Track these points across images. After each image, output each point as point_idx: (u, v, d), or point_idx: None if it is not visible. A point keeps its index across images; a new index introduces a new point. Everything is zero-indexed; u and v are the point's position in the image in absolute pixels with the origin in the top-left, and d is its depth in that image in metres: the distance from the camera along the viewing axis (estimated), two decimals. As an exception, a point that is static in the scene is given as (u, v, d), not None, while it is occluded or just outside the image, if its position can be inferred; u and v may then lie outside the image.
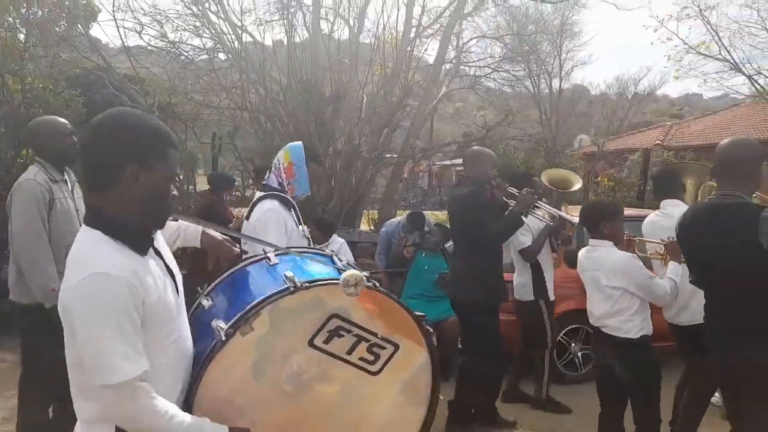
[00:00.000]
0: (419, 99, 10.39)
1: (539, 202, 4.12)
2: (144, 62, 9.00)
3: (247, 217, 3.05)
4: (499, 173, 4.28)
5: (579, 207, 3.88)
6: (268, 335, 1.74)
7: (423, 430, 2.07)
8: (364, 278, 1.78)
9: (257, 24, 9.68)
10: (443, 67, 11.47)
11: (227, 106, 8.48)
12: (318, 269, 1.99)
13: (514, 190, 4.11)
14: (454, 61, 11.77)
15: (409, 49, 9.77)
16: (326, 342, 1.83)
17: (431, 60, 10.77)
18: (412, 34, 9.88)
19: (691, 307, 3.41)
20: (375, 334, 1.90)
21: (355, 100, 8.94)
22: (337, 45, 8.98)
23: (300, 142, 3.20)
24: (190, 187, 8.81)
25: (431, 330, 2.05)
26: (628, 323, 3.24)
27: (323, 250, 2.19)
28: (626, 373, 3.25)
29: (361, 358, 1.90)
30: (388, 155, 10.47)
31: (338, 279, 1.78)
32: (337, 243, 6.15)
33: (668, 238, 3.38)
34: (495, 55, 14.31)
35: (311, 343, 1.82)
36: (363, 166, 8.84)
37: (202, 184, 8.64)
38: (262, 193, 3.06)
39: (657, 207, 4.00)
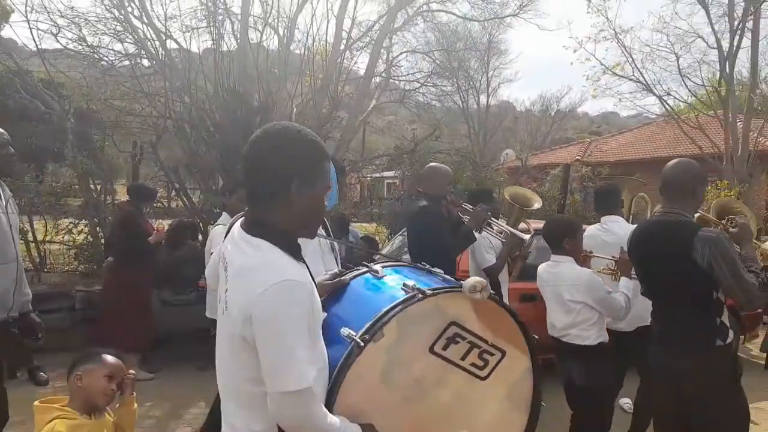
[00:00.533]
0: (350, 111, 10.43)
1: (492, 218, 4.16)
2: (60, 66, 8.58)
3: None
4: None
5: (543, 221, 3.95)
6: (396, 342, 1.81)
7: None
8: (488, 285, 1.91)
9: (183, 31, 9.44)
10: (373, 80, 11.60)
11: (149, 114, 8.20)
12: (425, 279, 2.08)
13: (468, 206, 4.18)
14: (384, 74, 11.93)
15: (339, 61, 9.80)
16: (444, 348, 1.92)
17: (362, 72, 10.88)
18: (342, 46, 9.94)
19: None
20: (486, 341, 2.00)
21: (285, 110, 8.86)
22: (266, 55, 8.88)
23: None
24: (108, 198, 8.43)
25: (536, 337, 2.14)
26: (587, 332, 3.37)
27: (422, 263, 2.26)
28: (583, 376, 3.36)
29: (473, 364, 1.99)
30: (317, 167, 10.45)
31: (459, 286, 1.91)
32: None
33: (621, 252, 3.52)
34: (424, 70, 14.64)
35: (432, 350, 1.90)
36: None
37: (122, 195, 8.29)
38: None
39: (578, 219, 4.17)
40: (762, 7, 13.13)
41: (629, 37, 15.96)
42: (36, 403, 2.24)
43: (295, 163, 1.49)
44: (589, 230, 4.17)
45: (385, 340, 1.78)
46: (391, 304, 1.82)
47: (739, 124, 13.41)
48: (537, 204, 4.77)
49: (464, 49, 21.35)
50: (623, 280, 3.50)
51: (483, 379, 2.01)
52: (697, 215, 2.95)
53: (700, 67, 14.72)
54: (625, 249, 3.16)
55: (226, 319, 1.54)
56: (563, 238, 3.41)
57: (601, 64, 14.82)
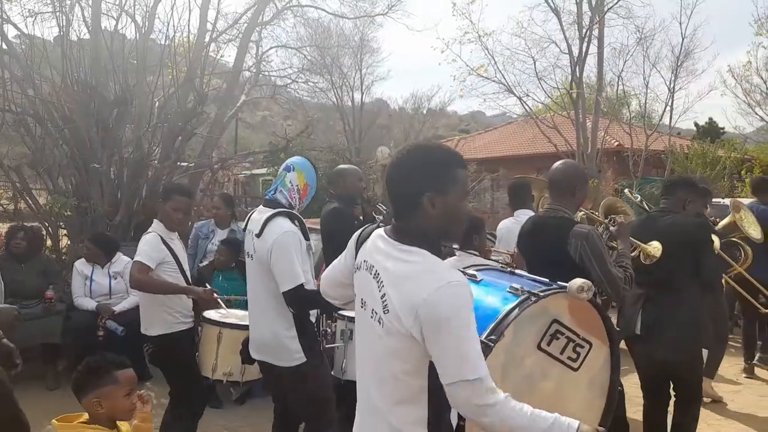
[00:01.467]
0: (217, 106, 10.01)
1: None
2: None
3: (258, 234, 2.90)
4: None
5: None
6: (512, 342, 2.03)
7: (604, 417, 2.35)
8: (593, 286, 2.16)
9: (25, 15, 8.51)
10: (243, 75, 11.24)
11: (-16, 106, 7.30)
12: (527, 281, 2.30)
13: (382, 207, 4.14)
14: (253, 69, 11.59)
15: (204, 53, 9.36)
16: (548, 345, 2.16)
17: (230, 66, 10.47)
18: (207, 38, 9.50)
19: None
20: (578, 335, 2.24)
21: (145, 104, 8.30)
22: (123, 44, 8.25)
23: (306, 160, 3.14)
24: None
25: (618, 329, 2.36)
26: None
27: (500, 263, 2.55)
28: None
29: (569, 357, 2.22)
30: (184, 164, 9.91)
31: (561, 288, 2.18)
32: (122, 262, 5.60)
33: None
34: (297, 65, 14.46)
35: (539, 347, 2.15)
36: (155, 176, 8.22)
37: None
38: (270, 210, 2.94)
39: None
40: (606, 16, 14.40)
41: (491, 41, 16.75)
42: (54, 422, 2.19)
43: (424, 181, 1.65)
44: (504, 224, 4.33)
45: (504, 340, 2.00)
46: (509, 307, 2.05)
47: (588, 124, 14.62)
48: None
49: (336, 46, 21.33)
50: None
51: (576, 370, 2.25)
52: (582, 214, 3.14)
53: (555, 70, 15.88)
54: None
55: (378, 322, 1.68)
56: (473, 234, 3.46)
57: (467, 65, 15.50)
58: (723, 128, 24.79)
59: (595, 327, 2.33)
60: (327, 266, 4.25)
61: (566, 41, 14.40)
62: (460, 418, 1.88)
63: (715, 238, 4.33)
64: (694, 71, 22.96)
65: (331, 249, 3.96)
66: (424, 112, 35.07)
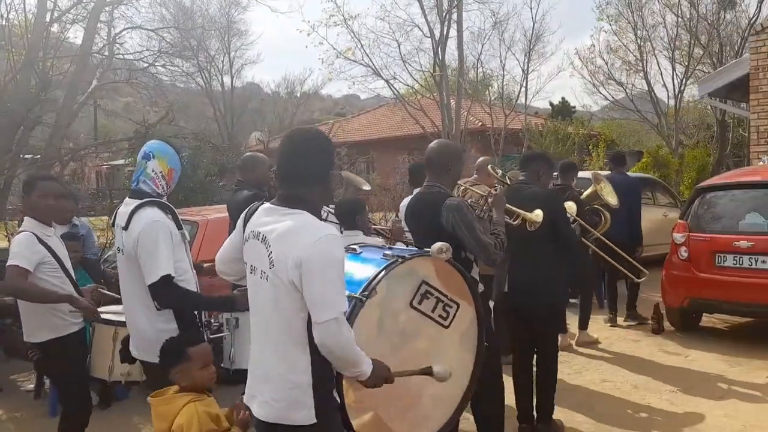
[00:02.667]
0: (65, 91, 9.31)
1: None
2: None
3: (125, 227, 2.75)
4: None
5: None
6: (386, 298, 2.35)
7: (475, 371, 2.70)
8: (451, 248, 2.51)
9: None
10: (95, 58, 10.51)
11: None
12: (397, 249, 2.73)
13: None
14: (105, 51, 10.86)
15: (45, 34, 8.65)
16: (419, 303, 2.50)
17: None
18: (49, 18, 8.78)
19: None
20: (446, 296, 2.58)
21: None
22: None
23: (164, 143, 2.95)
24: None
25: (482, 288, 2.80)
26: None
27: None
28: None
29: (440, 315, 2.56)
30: (29, 156, 9.13)
31: (428, 251, 2.50)
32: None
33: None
34: (157, 48, 13.71)
35: (411, 305, 2.47)
36: (-7, 170, 7.55)
37: None
38: (135, 201, 2.78)
39: None
40: (464, 1, 15.05)
41: (357, 24, 17.00)
42: (150, 398, 2.41)
43: (318, 162, 2.02)
44: (404, 202, 4.55)
45: (378, 296, 2.29)
46: (380, 268, 2.36)
47: (453, 105, 15.28)
48: (366, 186, 5.17)
49: (195, 28, 20.45)
50: (399, 245, 3.80)
51: (446, 327, 2.59)
52: (462, 188, 3.38)
53: (419, 53, 16.39)
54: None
55: (265, 280, 1.92)
56: (356, 214, 3.55)
57: (334, 48, 15.56)
58: (574, 107, 26.97)
59: (462, 289, 2.67)
60: None
61: (428, 25, 14.88)
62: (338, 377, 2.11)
63: (572, 205, 4.94)
64: (544, 54, 24.63)
65: None
66: (298, 95, 34.71)
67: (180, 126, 12.27)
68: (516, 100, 18.29)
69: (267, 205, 2.02)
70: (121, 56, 11.40)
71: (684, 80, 19.92)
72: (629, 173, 7.75)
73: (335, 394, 2.03)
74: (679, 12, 19.50)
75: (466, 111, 16.02)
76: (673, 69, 20.23)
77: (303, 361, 1.89)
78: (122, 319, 3.25)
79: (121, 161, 12.52)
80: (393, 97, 17.52)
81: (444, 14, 14.45)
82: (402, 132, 19.94)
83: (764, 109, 9.39)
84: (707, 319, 6.43)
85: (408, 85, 16.69)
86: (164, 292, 2.67)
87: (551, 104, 27.84)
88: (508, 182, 3.97)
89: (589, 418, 4.12)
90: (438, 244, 2.48)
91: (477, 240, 2.98)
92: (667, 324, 6.24)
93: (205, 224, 5.38)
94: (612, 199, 5.57)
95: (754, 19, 17.51)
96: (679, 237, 6.00)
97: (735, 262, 5.58)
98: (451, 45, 15.39)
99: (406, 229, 3.93)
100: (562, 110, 26.48)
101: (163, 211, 2.78)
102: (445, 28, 14.59)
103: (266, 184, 4.26)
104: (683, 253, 5.92)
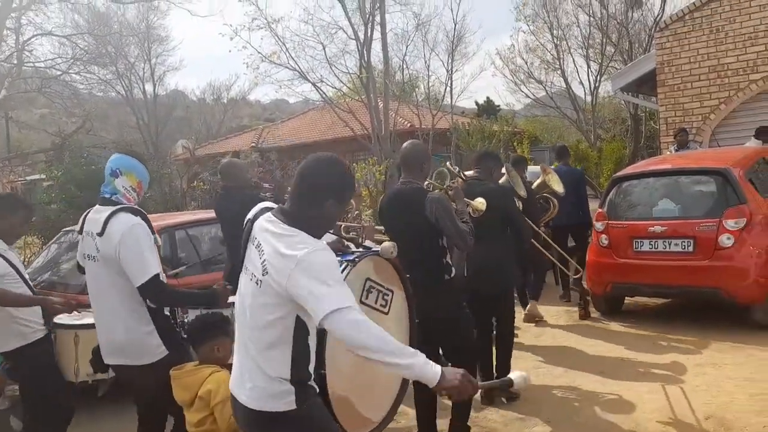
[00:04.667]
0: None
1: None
2: None
3: (101, 233, 2.79)
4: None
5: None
6: None
7: (410, 344, 2.82)
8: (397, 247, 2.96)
9: None
10: (1, 67, 9.94)
11: None
12: (344, 257, 2.94)
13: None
14: (15, 60, 10.29)
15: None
16: (366, 298, 2.91)
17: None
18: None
19: None
20: (383, 286, 2.98)
21: None
22: None
23: (127, 156, 3.01)
24: None
25: (407, 274, 3.15)
26: None
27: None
28: None
29: (381, 305, 2.96)
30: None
31: (372, 251, 2.99)
32: None
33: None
34: (71, 55, 13.08)
35: (361, 301, 2.86)
36: None
37: None
38: (109, 208, 2.85)
39: None
40: (386, 3, 15.21)
41: (281, 27, 16.86)
42: (173, 372, 2.70)
43: (330, 186, 2.12)
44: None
45: None
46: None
47: (381, 106, 15.40)
48: None
49: (111, 34, 19.68)
50: (368, 242, 3.84)
51: (386, 313, 2.97)
52: (426, 183, 3.63)
53: (344, 56, 16.44)
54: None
55: (256, 284, 2.04)
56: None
57: (258, 52, 15.37)
58: (498, 106, 27.76)
59: (392, 277, 3.07)
60: (231, 252, 4.59)
61: (352, 27, 14.98)
62: (321, 367, 2.45)
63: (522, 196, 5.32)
64: (467, 54, 25.21)
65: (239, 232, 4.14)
66: (225, 101, 33.98)
67: (100, 136, 11.77)
68: (442, 101, 18.62)
69: (269, 215, 2.11)
70: (32, 64, 10.82)
71: (598, 77, 20.96)
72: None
73: (313, 383, 2.15)
74: (591, 12, 20.51)
75: (394, 112, 16.19)
76: (588, 66, 21.27)
77: (285, 355, 2.02)
78: (82, 322, 3.56)
79: (37, 176, 11.87)
80: (321, 101, 17.49)
81: (367, 16, 14.58)
82: (333, 135, 19.90)
83: (671, 102, 10.02)
84: (629, 302, 6.78)
85: (335, 88, 16.75)
86: (156, 291, 2.79)
87: (476, 103, 28.56)
88: (464, 177, 4.26)
89: (527, 404, 4.27)
90: (386, 245, 2.87)
91: (457, 227, 3.32)
92: (593, 309, 6.54)
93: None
94: (558, 187, 6.21)
95: (658, 17, 18.63)
96: (599, 225, 6.30)
97: (651, 246, 5.91)
98: (376, 47, 15.57)
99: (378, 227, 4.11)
100: (487, 109, 27.19)
101: (139, 216, 2.88)
102: (369, 30, 14.74)
103: (247, 185, 4.70)
104: (604, 240, 6.21)
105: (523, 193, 5.77)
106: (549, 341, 5.82)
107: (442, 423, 3.63)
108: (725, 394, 4.18)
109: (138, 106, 28.67)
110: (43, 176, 10.35)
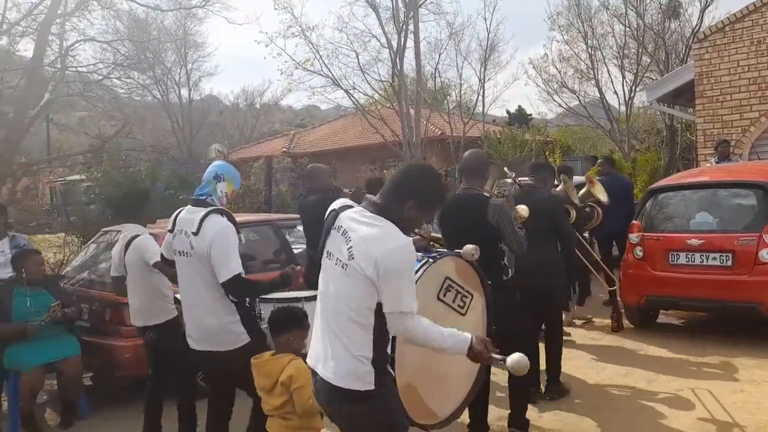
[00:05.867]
0: (16, 106, 9.05)
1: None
2: None
3: (196, 232, 3.09)
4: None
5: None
6: (420, 292, 2.39)
7: None
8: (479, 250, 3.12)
9: None
10: (46, 71, 10.26)
11: None
12: (427, 254, 3.10)
13: (372, 196, 4.33)
14: (57, 64, 10.61)
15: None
16: (444, 295, 3.02)
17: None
18: (-2, 31, 8.56)
19: None
20: (462, 288, 3.08)
21: None
22: None
23: (230, 166, 3.36)
24: None
25: (489, 282, 3.27)
26: None
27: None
28: None
29: (458, 305, 3.06)
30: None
31: (455, 253, 3.13)
32: None
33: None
34: (112, 60, 13.45)
35: (438, 297, 3.00)
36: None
37: None
38: (202, 209, 3.16)
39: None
40: (420, 12, 15.26)
41: (315, 35, 17.05)
42: (254, 360, 2.92)
43: (415, 187, 2.29)
44: None
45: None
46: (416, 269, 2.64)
47: (412, 114, 15.43)
48: None
49: (150, 40, 20.15)
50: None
51: (464, 315, 3.06)
52: (485, 190, 3.86)
53: (377, 64, 16.51)
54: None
55: (342, 268, 2.22)
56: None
57: (292, 59, 15.56)
58: (530, 114, 27.59)
59: (474, 281, 3.19)
60: (310, 246, 4.92)
61: (385, 35, 15.04)
62: (392, 350, 2.52)
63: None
64: (499, 63, 25.12)
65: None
66: (258, 107, 34.42)
67: (137, 139, 12.05)
68: (474, 109, 18.58)
69: (358, 208, 2.31)
70: (74, 69, 11.15)
71: (633, 87, 20.62)
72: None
73: (389, 368, 2.33)
74: (627, 22, 20.25)
75: (425, 120, 16.20)
76: (623, 76, 20.95)
77: (367, 335, 2.19)
78: None
79: (77, 176, 12.20)
80: (353, 107, 17.60)
81: (401, 25, 14.63)
82: (363, 141, 20.00)
83: (709, 113, 9.83)
84: (664, 315, 6.65)
85: (368, 95, 16.80)
86: (237, 287, 3.09)
87: (508, 112, 28.42)
88: (520, 184, 4.53)
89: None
90: (469, 247, 3.06)
91: (515, 233, 3.59)
92: (626, 322, 6.43)
93: (163, 237, 5.30)
94: (603, 196, 6.34)
95: (696, 27, 18.32)
96: (633, 237, 6.21)
97: (688, 259, 5.80)
98: (409, 55, 15.63)
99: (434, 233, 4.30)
100: (519, 118, 27.04)
101: (228, 219, 3.18)
102: (402, 39, 14.77)
103: (329, 189, 4.96)
104: (638, 252, 6.13)
105: (577, 201, 5.85)
106: (579, 352, 5.75)
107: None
108: (764, 411, 4.07)
109: (173, 110, 29.23)
110: (83, 176, 10.62)
